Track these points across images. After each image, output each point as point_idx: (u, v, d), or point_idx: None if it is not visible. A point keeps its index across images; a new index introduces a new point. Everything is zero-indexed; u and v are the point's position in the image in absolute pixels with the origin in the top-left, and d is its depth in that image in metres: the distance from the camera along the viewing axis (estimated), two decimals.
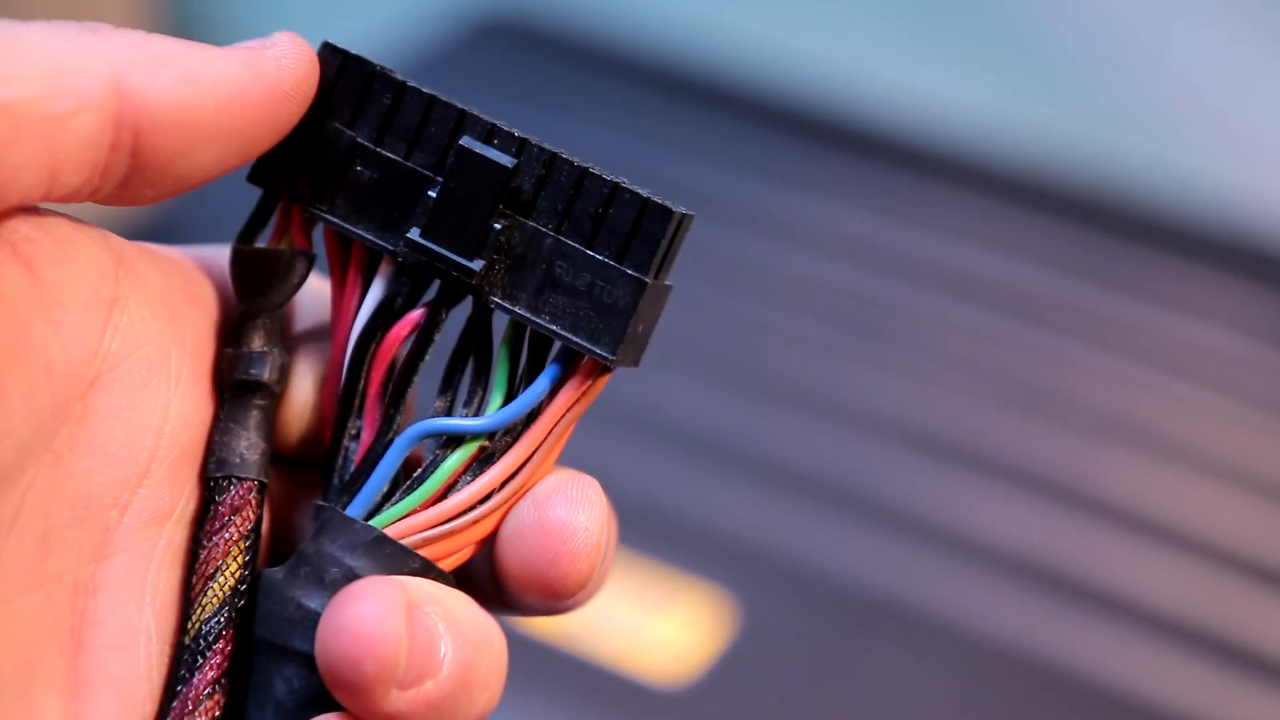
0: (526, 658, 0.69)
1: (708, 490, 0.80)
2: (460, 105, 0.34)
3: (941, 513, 0.80)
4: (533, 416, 0.34)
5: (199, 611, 0.34)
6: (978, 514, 0.80)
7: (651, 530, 0.77)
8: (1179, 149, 1.04)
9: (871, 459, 0.83)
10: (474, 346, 0.34)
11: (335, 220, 0.35)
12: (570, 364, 0.34)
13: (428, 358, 0.35)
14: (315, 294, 0.37)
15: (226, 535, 0.34)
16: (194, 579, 0.34)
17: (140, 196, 0.33)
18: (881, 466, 0.82)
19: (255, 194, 0.36)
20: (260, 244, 0.36)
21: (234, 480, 0.34)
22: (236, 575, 0.34)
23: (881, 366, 0.88)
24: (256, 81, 0.33)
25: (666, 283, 0.34)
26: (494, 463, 0.34)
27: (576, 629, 0.73)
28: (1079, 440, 0.84)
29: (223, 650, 0.34)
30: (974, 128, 1.03)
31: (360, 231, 0.34)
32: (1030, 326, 0.90)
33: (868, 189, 0.99)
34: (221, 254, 0.36)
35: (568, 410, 0.34)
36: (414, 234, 0.34)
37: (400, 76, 0.35)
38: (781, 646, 0.74)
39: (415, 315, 0.34)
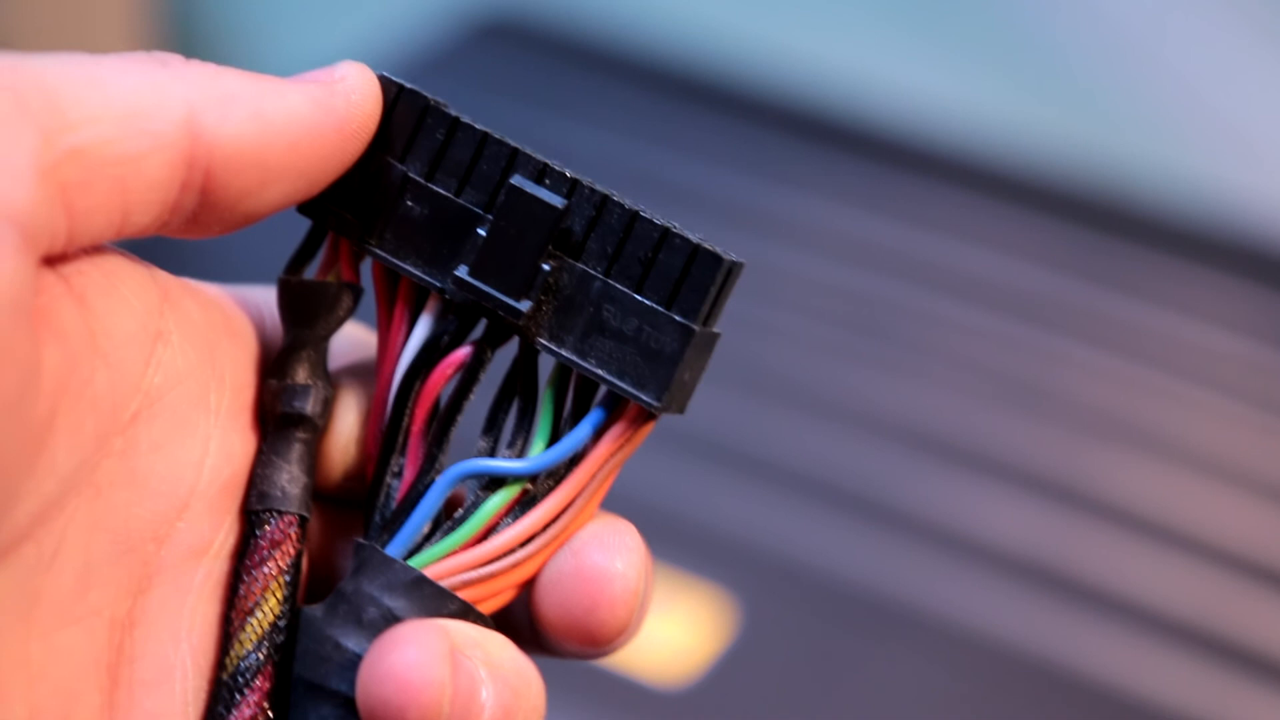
0: None
1: (708, 490, 0.80)
2: (513, 143, 0.34)
3: (941, 513, 0.80)
4: (576, 460, 0.34)
5: (237, 647, 0.33)
6: (978, 514, 0.80)
7: (652, 530, 0.77)
8: (1179, 149, 1.04)
9: (871, 459, 0.83)
10: (519, 387, 0.34)
11: (384, 255, 0.34)
12: (615, 409, 0.33)
13: (472, 397, 0.34)
14: (361, 328, 0.37)
15: (266, 569, 0.34)
16: (233, 614, 0.34)
17: (207, 230, 0.33)
18: (881, 466, 0.82)
19: (293, 223, 0.36)
20: (308, 275, 0.35)
21: (275, 514, 0.34)
22: (276, 611, 0.34)
23: (881, 366, 0.88)
24: (326, 118, 0.33)
25: (715, 330, 0.33)
26: (536, 506, 0.34)
27: None
28: (1079, 440, 0.84)
29: (261, 687, 0.33)
30: (974, 128, 1.03)
31: (408, 267, 0.34)
32: (1030, 326, 0.90)
33: (868, 189, 0.99)
34: (260, 293, 0.36)
35: (611, 456, 0.33)
36: (462, 272, 0.33)
37: (454, 112, 0.34)
38: (781, 646, 0.74)
39: (461, 354, 0.34)
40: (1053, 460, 0.83)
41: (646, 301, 0.33)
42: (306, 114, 0.33)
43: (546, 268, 0.33)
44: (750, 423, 0.84)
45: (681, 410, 0.34)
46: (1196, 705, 0.73)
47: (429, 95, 0.34)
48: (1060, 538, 0.79)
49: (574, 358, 0.33)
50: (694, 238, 0.33)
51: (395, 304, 0.35)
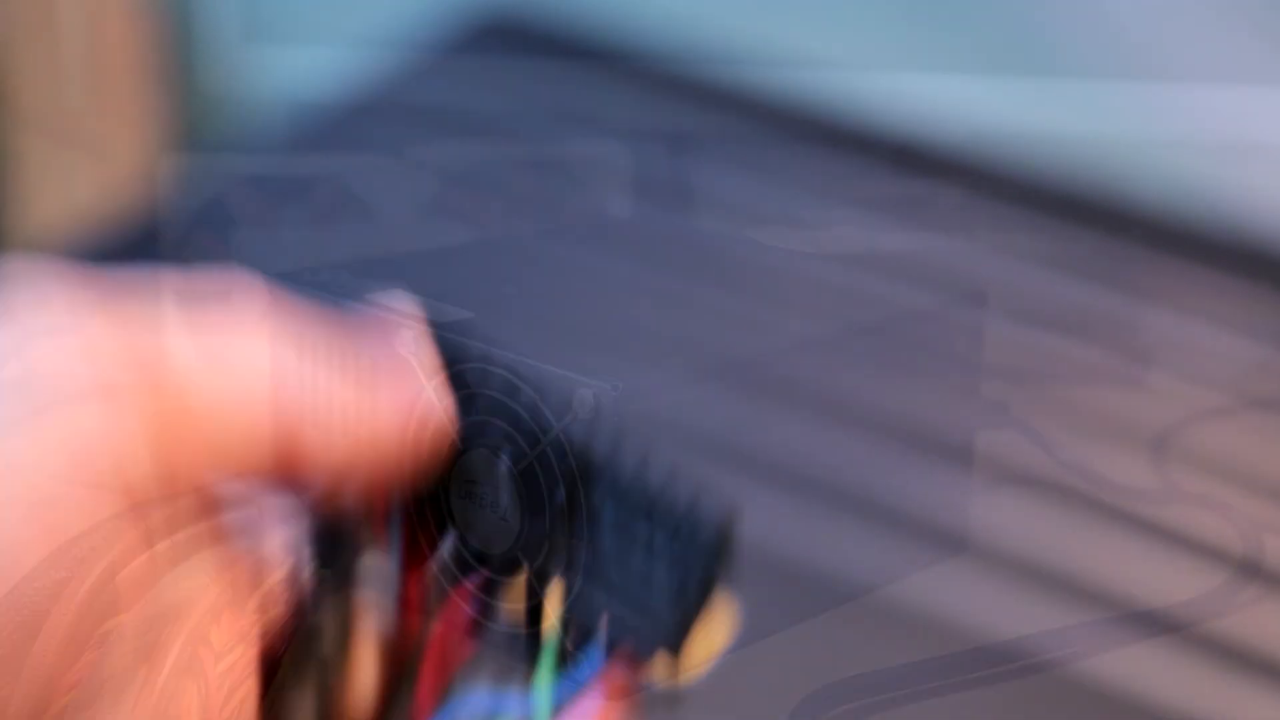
0: None
1: (707, 490, 0.80)
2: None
3: (941, 513, 0.80)
4: (576, 709, 0.35)
5: None
6: (977, 514, 0.80)
7: None
8: (1179, 149, 1.04)
9: (872, 459, 0.82)
10: (525, 635, 0.36)
11: None
12: (615, 658, 0.35)
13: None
14: None
15: None
16: None
17: None
18: (882, 467, 0.82)
19: None
20: None
21: None
22: None
23: (881, 367, 0.88)
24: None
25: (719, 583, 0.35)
26: None
27: None
28: (1079, 440, 0.84)
29: None
30: (974, 128, 1.03)
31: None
32: (1031, 327, 0.90)
33: (868, 189, 0.99)
34: None
35: (610, 703, 0.35)
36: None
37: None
38: (781, 646, 0.74)
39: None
40: (1052, 460, 0.83)
41: (653, 570, 0.35)
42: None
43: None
44: (750, 422, 0.84)
45: (689, 666, 0.34)
46: (1196, 705, 0.73)
47: None
48: (1060, 538, 0.79)
49: (577, 613, 0.35)
50: (702, 516, 0.35)
51: None
